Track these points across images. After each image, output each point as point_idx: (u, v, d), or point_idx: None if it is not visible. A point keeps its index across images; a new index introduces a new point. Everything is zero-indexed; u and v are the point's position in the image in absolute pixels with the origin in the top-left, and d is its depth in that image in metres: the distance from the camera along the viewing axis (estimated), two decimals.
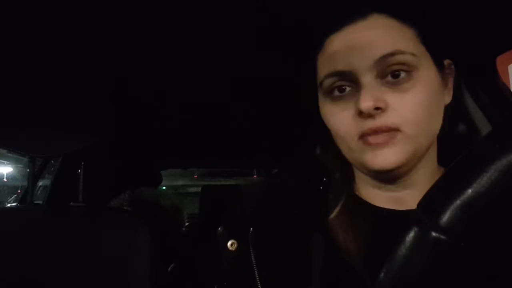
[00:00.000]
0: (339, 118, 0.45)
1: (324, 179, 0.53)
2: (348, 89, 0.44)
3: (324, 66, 0.46)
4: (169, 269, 1.19)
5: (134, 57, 0.73)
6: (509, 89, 0.69)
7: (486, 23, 0.57)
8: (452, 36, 0.54)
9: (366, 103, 0.41)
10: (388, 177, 0.46)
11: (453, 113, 0.48)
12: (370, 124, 0.42)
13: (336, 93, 0.45)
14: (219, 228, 0.53)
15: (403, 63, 0.42)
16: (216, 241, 0.52)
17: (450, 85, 0.47)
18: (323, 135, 0.50)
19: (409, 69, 0.42)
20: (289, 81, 0.78)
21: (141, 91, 0.94)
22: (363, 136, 0.43)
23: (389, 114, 0.42)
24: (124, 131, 1.25)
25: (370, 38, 0.43)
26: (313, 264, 0.45)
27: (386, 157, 0.42)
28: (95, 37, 0.64)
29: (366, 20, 0.43)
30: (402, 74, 0.42)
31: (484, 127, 0.66)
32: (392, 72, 0.42)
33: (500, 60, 0.68)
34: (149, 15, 0.57)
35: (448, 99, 0.46)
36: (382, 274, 0.32)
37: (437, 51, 0.44)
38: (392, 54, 0.41)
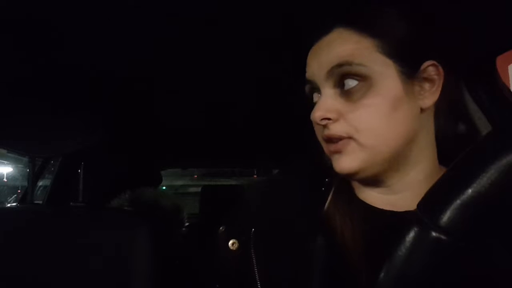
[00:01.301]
0: (314, 123, 0.49)
1: (326, 180, 0.53)
2: (318, 97, 0.48)
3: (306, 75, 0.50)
4: (169, 269, 1.19)
5: (134, 57, 0.73)
6: (509, 89, 0.69)
7: (486, 23, 0.57)
8: (452, 36, 0.54)
9: (315, 114, 0.45)
10: (364, 181, 0.48)
11: (453, 113, 0.47)
12: (325, 131, 0.46)
13: (315, 99, 0.50)
14: (221, 228, 0.54)
15: (352, 74, 0.44)
16: (217, 240, 0.53)
17: (438, 86, 0.46)
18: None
19: (361, 80, 0.44)
20: (289, 81, 0.78)
21: (141, 91, 0.94)
22: (325, 141, 0.47)
23: (340, 124, 0.45)
24: (124, 131, 1.25)
25: (326, 51, 0.46)
26: (314, 265, 0.46)
27: (342, 163, 0.46)
28: (95, 37, 0.64)
29: (329, 35, 0.47)
30: (352, 86, 0.44)
31: (484, 127, 0.66)
32: (344, 82, 0.44)
33: (500, 60, 0.68)
34: (149, 15, 0.57)
35: (429, 102, 0.46)
36: (382, 274, 0.32)
37: (402, 59, 0.44)
38: (339, 65, 0.44)
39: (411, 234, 0.31)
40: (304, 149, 0.57)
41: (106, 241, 0.87)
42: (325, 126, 0.46)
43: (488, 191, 0.29)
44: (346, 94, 0.45)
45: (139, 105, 1.05)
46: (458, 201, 0.30)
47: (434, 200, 0.33)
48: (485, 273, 0.30)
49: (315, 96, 0.49)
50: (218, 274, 0.54)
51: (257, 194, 0.58)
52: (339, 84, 0.45)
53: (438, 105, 0.47)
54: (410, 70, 0.45)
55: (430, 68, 0.46)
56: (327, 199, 0.51)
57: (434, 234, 0.30)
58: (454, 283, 0.30)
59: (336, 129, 0.45)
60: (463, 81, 0.68)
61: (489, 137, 0.36)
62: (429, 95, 0.46)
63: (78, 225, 0.90)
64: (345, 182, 0.52)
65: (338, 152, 0.45)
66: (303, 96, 0.52)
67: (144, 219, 0.93)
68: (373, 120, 0.44)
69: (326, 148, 0.48)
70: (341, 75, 0.44)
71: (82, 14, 0.56)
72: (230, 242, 0.51)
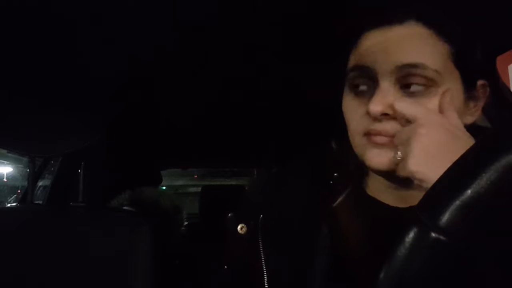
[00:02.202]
0: (353, 113, 0.46)
1: (335, 174, 0.53)
2: (366, 88, 0.45)
3: (352, 60, 0.47)
4: (169, 268, 1.19)
5: (134, 57, 0.73)
6: (509, 89, 0.69)
7: (486, 23, 0.57)
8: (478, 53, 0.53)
9: (375, 107, 0.41)
10: (391, 175, 0.45)
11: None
12: (376, 125, 0.43)
13: (361, 88, 0.45)
14: (229, 214, 0.56)
15: (422, 77, 0.41)
16: (227, 225, 0.55)
17: (479, 106, 0.46)
18: (338, 130, 0.51)
19: (428, 84, 0.41)
20: (292, 80, 0.78)
21: (141, 91, 0.94)
22: (367, 134, 0.44)
23: (396, 122, 0.42)
24: (124, 131, 1.25)
25: (399, 44, 0.42)
26: (318, 255, 0.47)
27: (382, 158, 0.43)
28: (96, 37, 0.64)
29: (403, 25, 0.43)
30: (420, 88, 0.41)
31: (484, 127, 0.66)
32: (410, 83, 0.42)
33: (500, 60, 0.68)
34: (149, 15, 0.57)
35: (471, 119, 0.45)
36: (381, 275, 0.32)
37: (469, 71, 0.43)
38: (414, 66, 0.41)
39: (411, 235, 0.31)
40: (314, 146, 0.58)
41: (106, 241, 0.87)
42: (375, 120, 0.42)
43: (487, 192, 0.29)
44: (408, 95, 0.42)
45: (139, 105, 1.05)
46: (458, 202, 0.30)
47: (433, 200, 0.33)
48: (484, 274, 0.30)
49: (361, 86, 0.45)
50: (227, 256, 0.56)
51: (266, 184, 0.59)
52: (403, 82, 0.42)
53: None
54: (470, 84, 0.44)
55: (480, 87, 0.45)
56: (335, 193, 0.51)
57: (433, 234, 0.30)
58: (454, 283, 0.30)
59: (390, 126, 0.42)
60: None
61: (489, 137, 0.36)
62: (473, 113, 0.46)
63: (78, 225, 0.90)
64: (355, 175, 0.52)
65: (383, 144, 0.42)
66: (303, 96, 0.52)
67: (144, 219, 0.93)
68: None
69: (365, 139, 0.44)
70: (410, 74, 0.42)
71: (82, 14, 0.56)
72: (239, 226, 0.52)
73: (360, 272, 0.42)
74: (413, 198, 0.46)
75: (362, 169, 0.53)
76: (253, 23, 0.59)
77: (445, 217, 0.29)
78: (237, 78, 0.84)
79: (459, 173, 0.33)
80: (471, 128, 0.44)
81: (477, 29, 0.47)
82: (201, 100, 1.01)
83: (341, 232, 0.47)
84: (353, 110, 0.46)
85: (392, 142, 0.42)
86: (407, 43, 0.42)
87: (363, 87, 0.45)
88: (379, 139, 0.43)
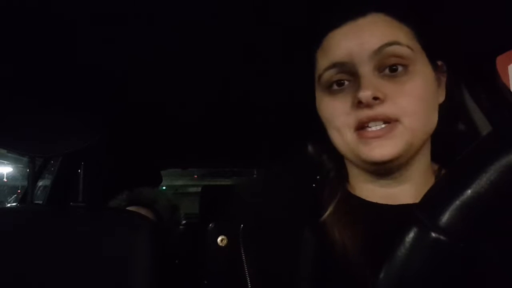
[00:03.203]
0: (336, 110, 0.46)
1: (318, 177, 0.53)
2: (346, 83, 0.45)
3: (323, 60, 0.47)
4: (168, 268, 1.19)
5: (134, 57, 0.73)
6: (509, 89, 0.69)
7: (486, 23, 0.57)
8: (452, 36, 0.54)
9: (365, 92, 0.42)
10: (383, 170, 0.46)
11: (453, 113, 0.48)
12: (368, 112, 0.43)
13: (335, 87, 0.46)
14: (210, 224, 0.54)
15: (400, 56, 0.43)
16: (206, 237, 0.52)
17: (443, 86, 0.48)
18: (318, 133, 0.51)
19: (406, 63, 0.43)
20: (289, 80, 0.78)
21: (141, 91, 0.94)
22: (359, 129, 0.44)
23: (388, 104, 0.42)
24: (124, 131, 1.25)
25: (370, 31, 0.44)
26: (303, 262, 0.45)
27: (383, 148, 0.43)
28: (96, 37, 0.64)
29: (366, 17, 0.45)
30: (400, 68, 0.43)
31: (484, 127, 0.66)
32: (389, 65, 0.43)
33: (500, 60, 0.68)
34: (149, 15, 0.57)
35: (441, 98, 0.47)
36: (381, 275, 0.32)
37: (432, 50, 0.45)
38: (390, 44, 0.42)
39: (411, 235, 0.31)
40: (295, 149, 0.57)
41: (106, 241, 0.87)
42: (368, 107, 0.42)
43: (487, 192, 0.29)
44: (391, 77, 0.43)
45: (139, 105, 1.05)
46: (458, 202, 0.30)
47: (433, 200, 0.33)
48: (484, 274, 0.30)
49: (336, 85, 0.46)
50: (206, 270, 0.53)
51: (246, 191, 0.58)
52: (383, 65, 0.43)
53: (440, 105, 0.48)
54: (434, 63, 0.46)
55: (440, 67, 0.47)
56: (318, 196, 0.50)
57: (433, 234, 0.30)
58: (453, 283, 0.30)
59: (384, 109, 0.42)
60: (463, 81, 0.68)
61: (489, 137, 0.36)
62: (441, 92, 0.47)
63: (78, 225, 0.90)
64: (339, 178, 0.52)
65: (378, 137, 0.43)
66: (304, 96, 0.52)
67: (143, 219, 0.93)
68: (418, 104, 0.43)
69: (356, 136, 0.44)
70: (387, 56, 0.43)
71: (83, 15, 0.57)
72: (219, 239, 0.51)
73: (350, 276, 0.42)
74: (401, 195, 0.46)
75: (342, 170, 0.53)
76: (252, 23, 0.59)
77: (445, 217, 0.29)
78: (237, 78, 0.84)
79: (459, 173, 0.33)
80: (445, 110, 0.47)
81: (433, 12, 0.49)
82: (201, 100, 1.01)
83: (330, 238, 0.46)
84: (336, 109, 0.46)
85: (388, 132, 0.42)
86: (376, 28, 0.44)
87: (337, 87, 0.46)
88: (372, 133, 0.43)
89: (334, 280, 0.44)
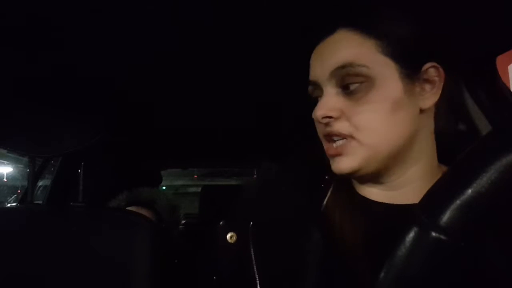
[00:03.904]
0: (315, 121, 0.50)
1: (326, 177, 0.53)
2: (319, 97, 0.49)
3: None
4: (168, 268, 1.19)
5: (134, 57, 0.73)
6: (509, 89, 0.69)
7: (486, 24, 0.57)
8: (452, 36, 0.54)
9: (316, 112, 0.47)
10: (363, 179, 0.49)
11: (453, 113, 0.48)
12: (326, 129, 0.47)
13: (317, 98, 0.50)
14: (221, 222, 0.54)
15: (354, 75, 0.45)
16: (216, 234, 0.53)
17: (438, 87, 0.47)
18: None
19: (363, 80, 0.45)
20: (290, 82, 0.78)
21: (141, 91, 0.94)
22: (328, 141, 0.48)
23: (342, 122, 0.46)
24: (124, 131, 1.25)
25: (329, 52, 0.47)
26: (311, 259, 0.46)
27: (342, 164, 0.47)
28: (96, 37, 0.64)
29: (333, 35, 0.47)
30: (355, 86, 0.45)
31: (484, 127, 0.66)
32: (346, 84, 0.46)
33: (500, 60, 0.68)
34: (149, 17, 0.57)
35: (429, 102, 0.47)
36: (382, 274, 0.32)
37: (404, 60, 0.45)
38: (342, 67, 0.45)
39: (411, 234, 0.31)
40: (304, 148, 0.57)
41: (106, 241, 0.87)
42: (326, 125, 0.47)
43: (487, 191, 0.29)
44: (348, 94, 0.46)
45: (139, 105, 1.05)
46: (458, 201, 0.30)
47: (434, 200, 0.33)
48: (484, 273, 0.30)
49: (318, 97, 0.50)
50: (216, 267, 0.54)
51: (255, 190, 0.59)
52: (342, 84, 0.46)
53: (438, 106, 0.48)
54: (411, 72, 0.46)
55: (431, 70, 0.46)
56: (326, 195, 0.51)
57: (433, 234, 0.30)
58: (454, 283, 0.30)
59: (337, 127, 0.46)
60: (463, 81, 0.68)
61: (489, 137, 0.36)
62: (430, 96, 0.47)
63: (78, 225, 0.90)
64: (346, 179, 0.52)
65: (338, 155, 0.47)
66: (304, 96, 0.52)
67: (143, 218, 0.93)
68: (374, 119, 0.45)
69: (327, 150, 0.49)
70: (343, 76, 0.45)
71: (83, 15, 0.57)
72: (229, 235, 0.52)
73: (355, 274, 0.42)
74: (403, 197, 0.47)
75: None
76: (252, 24, 0.59)
77: (446, 217, 0.29)
78: (237, 78, 0.84)
79: (459, 173, 0.33)
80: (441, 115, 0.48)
81: (427, 14, 0.49)
82: (201, 100, 1.01)
83: (334, 234, 0.47)
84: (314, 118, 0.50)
85: (344, 149, 0.46)
86: (335, 48, 0.47)
87: (317, 97, 0.49)
88: (332, 151, 0.47)
89: (338, 277, 0.45)
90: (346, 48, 0.46)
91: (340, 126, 0.46)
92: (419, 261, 0.31)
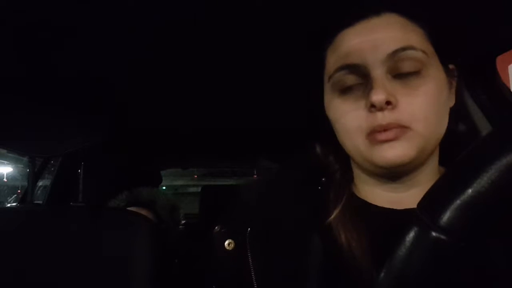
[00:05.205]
0: (347, 112, 0.44)
1: (323, 179, 0.53)
2: (357, 84, 0.44)
3: (335, 60, 0.46)
4: (168, 268, 1.19)
5: (134, 57, 0.73)
6: (509, 89, 0.69)
7: (486, 23, 0.57)
8: (462, 37, 0.54)
9: (378, 96, 0.40)
10: (393, 174, 0.45)
11: (454, 113, 0.48)
12: (380, 120, 0.41)
13: (345, 88, 0.45)
14: (216, 227, 0.53)
15: (414, 60, 0.42)
16: (213, 241, 0.52)
17: (453, 90, 0.47)
18: (324, 134, 0.50)
19: (420, 67, 0.42)
20: (292, 80, 0.78)
21: (141, 91, 0.94)
22: (371, 134, 0.42)
23: (399, 111, 0.41)
24: (124, 131, 1.25)
25: (384, 33, 0.43)
26: (311, 265, 0.45)
27: (396, 151, 0.41)
28: (96, 37, 0.64)
29: (380, 17, 0.44)
30: (411, 73, 0.42)
31: (484, 127, 0.66)
32: (403, 69, 0.42)
33: (500, 60, 0.68)
34: (149, 16, 0.57)
35: (451, 102, 0.46)
36: (382, 274, 0.32)
37: (444, 53, 0.44)
38: (404, 49, 0.41)
39: (411, 234, 0.31)
40: (304, 149, 0.57)
41: (106, 241, 0.87)
42: (381, 112, 0.41)
43: (488, 191, 0.29)
44: (403, 80, 0.42)
45: (139, 105, 1.05)
46: (458, 201, 0.30)
47: (434, 200, 0.33)
48: (485, 273, 0.30)
49: (347, 86, 0.45)
50: (214, 274, 0.53)
51: (252, 194, 0.57)
52: (394, 69, 0.42)
53: (452, 108, 0.47)
54: (447, 67, 0.45)
55: (453, 70, 0.47)
56: (324, 198, 0.50)
57: (434, 234, 0.30)
58: (454, 283, 0.30)
59: (395, 116, 0.41)
60: (463, 81, 0.68)
61: (489, 137, 0.36)
62: (451, 96, 0.47)
63: (78, 225, 0.90)
64: (344, 181, 0.52)
65: (390, 140, 0.41)
66: (304, 96, 0.52)
67: (143, 218, 0.93)
68: (430, 110, 0.42)
69: (368, 141, 0.43)
70: (399, 60, 0.42)
71: (83, 15, 0.57)
72: (226, 242, 0.50)
73: (356, 281, 0.41)
74: (407, 200, 0.45)
75: (350, 173, 0.52)
76: (255, 19, 0.59)
77: (446, 217, 0.29)
78: (237, 78, 0.84)
79: (459, 173, 0.33)
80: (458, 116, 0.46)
81: (446, 14, 0.48)
82: (201, 100, 1.01)
83: (335, 240, 0.45)
84: (346, 111, 0.45)
85: (400, 135, 0.41)
86: (390, 30, 0.43)
87: (352, 86, 0.44)
88: (384, 135, 0.41)
89: (340, 283, 0.44)
90: (404, 31, 0.42)
91: (398, 116, 0.41)
92: (419, 261, 0.31)
